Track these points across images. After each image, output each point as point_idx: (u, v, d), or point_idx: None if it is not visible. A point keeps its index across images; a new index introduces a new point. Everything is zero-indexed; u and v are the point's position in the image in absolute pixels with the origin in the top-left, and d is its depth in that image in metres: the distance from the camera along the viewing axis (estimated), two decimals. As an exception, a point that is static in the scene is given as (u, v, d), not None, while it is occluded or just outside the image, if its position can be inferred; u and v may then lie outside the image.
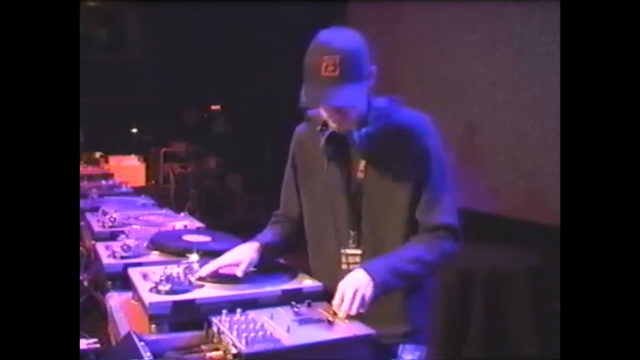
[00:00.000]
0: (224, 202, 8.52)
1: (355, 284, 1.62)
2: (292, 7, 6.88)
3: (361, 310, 1.59)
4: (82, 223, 2.64)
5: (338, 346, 1.45)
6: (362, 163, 1.84)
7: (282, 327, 1.45)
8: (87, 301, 1.93)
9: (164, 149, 9.01)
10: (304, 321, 1.52)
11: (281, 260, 1.97)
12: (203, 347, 1.46)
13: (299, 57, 1.73)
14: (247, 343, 1.35)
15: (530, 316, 3.72)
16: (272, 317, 1.52)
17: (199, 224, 2.55)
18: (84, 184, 3.80)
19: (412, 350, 1.87)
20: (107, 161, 7.50)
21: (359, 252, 1.85)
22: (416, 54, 5.99)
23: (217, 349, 1.42)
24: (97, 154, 7.50)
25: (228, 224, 6.16)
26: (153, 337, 1.47)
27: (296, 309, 1.56)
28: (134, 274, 1.76)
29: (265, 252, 1.86)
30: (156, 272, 1.69)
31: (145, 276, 1.73)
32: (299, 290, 1.71)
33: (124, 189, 3.86)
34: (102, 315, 1.84)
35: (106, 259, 1.95)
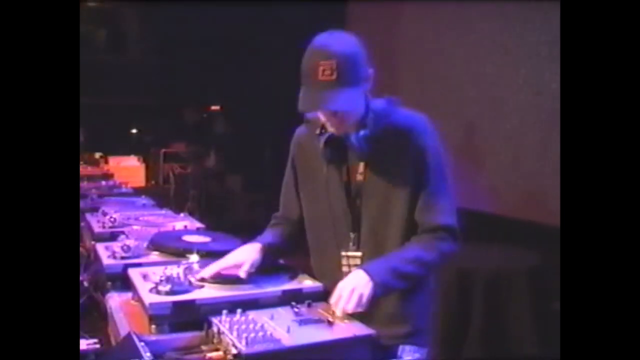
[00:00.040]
0: (224, 203, 8.52)
1: (354, 283, 1.63)
2: (292, 7, 6.87)
3: (359, 309, 1.59)
4: (82, 224, 2.64)
5: (338, 346, 1.45)
6: (361, 165, 1.84)
7: (282, 327, 1.46)
8: (87, 302, 1.92)
9: (163, 150, 9.01)
10: (304, 321, 1.52)
11: (281, 261, 1.97)
12: (203, 347, 1.46)
13: (299, 58, 1.73)
14: (247, 343, 1.35)
15: (530, 316, 3.72)
16: (272, 318, 1.52)
17: (198, 225, 2.55)
18: (83, 184, 3.80)
19: (412, 351, 1.87)
20: (106, 162, 7.51)
21: (359, 254, 1.85)
22: (416, 54, 5.98)
23: (217, 350, 1.42)
24: (97, 155, 7.51)
25: (228, 224, 6.15)
26: (153, 337, 1.47)
27: (296, 310, 1.57)
28: (134, 274, 1.76)
29: (267, 253, 1.86)
30: (156, 273, 1.69)
31: (145, 277, 1.73)
32: (299, 290, 1.71)
33: (123, 190, 3.86)
34: (102, 316, 1.84)
35: (106, 260, 1.95)
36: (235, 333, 1.40)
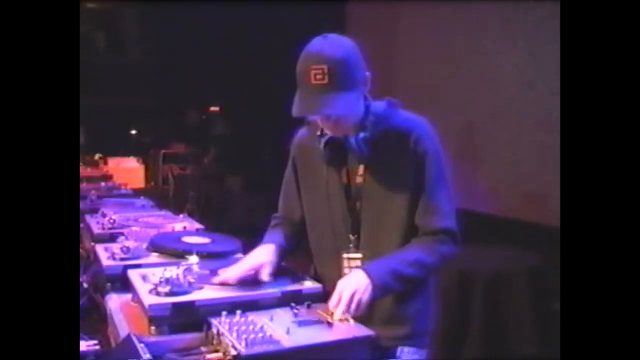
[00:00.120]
0: (224, 204, 8.51)
1: (354, 286, 1.63)
2: (292, 7, 6.87)
3: (357, 313, 1.59)
4: (81, 225, 2.63)
5: (337, 347, 1.45)
6: (361, 168, 1.84)
7: (281, 328, 1.45)
8: (87, 303, 1.92)
9: (163, 151, 9.00)
10: (303, 323, 1.52)
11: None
12: (203, 348, 1.46)
13: (299, 58, 1.73)
14: (246, 345, 1.35)
15: (530, 317, 3.72)
16: (271, 319, 1.52)
17: (198, 226, 2.54)
18: (83, 185, 3.79)
19: (411, 353, 1.87)
20: (106, 163, 7.50)
21: (359, 255, 1.85)
22: (416, 54, 5.98)
23: (216, 351, 1.42)
24: (97, 156, 7.50)
25: (227, 225, 6.15)
26: (153, 338, 1.47)
27: (296, 311, 1.56)
28: (134, 275, 1.76)
29: (280, 255, 1.86)
30: (155, 274, 1.69)
31: (144, 278, 1.73)
32: (299, 291, 1.71)
33: (123, 191, 3.86)
34: (102, 317, 1.84)
35: (106, 261, 1.95)
36: (234, 334, 1.40)
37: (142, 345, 1.36)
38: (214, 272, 1.79)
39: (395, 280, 1.72)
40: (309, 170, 1.95)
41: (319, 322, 1.54)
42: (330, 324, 1.53)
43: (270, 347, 1.35)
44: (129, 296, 1.78)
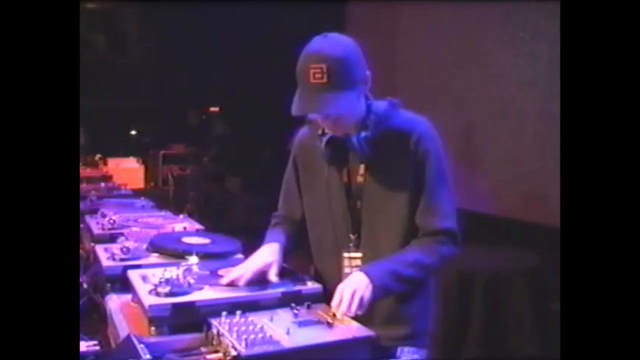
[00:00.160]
0: (223, 204, 8.51)
1: (354, 286, 1.63)
2: (292, 7, 6.87)
3: (359, 312, 1.59)
4: (81, 225, 2.63)
5: (338, 348, 1.44)
6: (362, 167, 1.84)
7: (281, 329, 1.45)
8: (87, 303, 1.92)
9: (162, 151, 9.00)
10: (303, 323, 1.52)
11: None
12: (202, 349, 1.46)
13: (298, 60, 1.73)
14: (246, 345, 1.35)
15: (530, 317, 3.72)
16: (271, 320, 1.52)
17: (198, 226, 2.54)
18: (82, 186, 3.79)
19: (411, 353, 1.87)
20: (105, 163, 7.49)
21: (360, 255, 1.85)
22: (416, 54, 5.99)
23: (216, 351, 1.42)
24: (97, 156, 7.49)
25: (227, 225, 6.15)
26: (152, 339, 1.47)
27: (296, 311, 1.56)
28: (134, 276, 1.76)
29: (284, 254, 1.86)
30: (155, 275, 1.69)
31: (144, 278, 1.73)
32: (299, 292, 1.70)
33: (122, 191, 3.85)
34: (102, 318, 1.84)
35: (105, 261, 1.94)
36: (234, 335, 1.40)
37: (142, 345, 1.36)
38: (214, 273, 1.79)
39: (395, 281, 1.72)
40: (310, 170, 1.95)
41: (319, 322, 1.54)
42: (330, 325, 1.52)
43: (270, 348, 1.35)
44: (128, 297, 1.78)
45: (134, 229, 2.44)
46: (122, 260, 1.94)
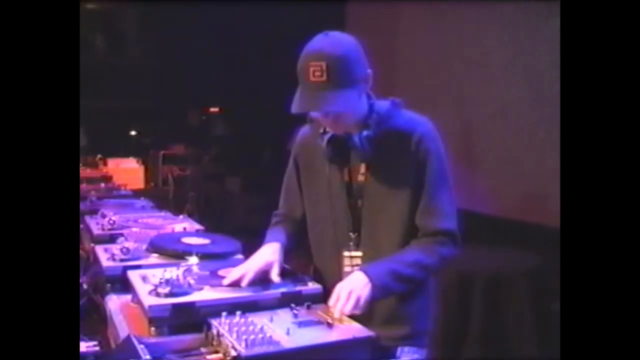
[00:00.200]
0: (223, 205, 8.51)
1: (352, 285, 1.63)
2: (292, 7, 6.87)
3: (356, 312, 1.59)
4: (81, 226, 2.63)
5: (337, 348, 1.44)
6: (363, 166, 1.84)
7: (281, 329, 1.45)
8: (87, 304, 1.92)
9: (162, 152, 8.99)
10: (303, 324, 1.52)
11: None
12: (202, 349, 1.46)
13: (298, 59, 1.73)
14: (246, 346, 1.35)
15: (530, 317, 3.72)
16: (271, 320, 1.52)
17: (198, 227, 2.54)
18: (82, 186, 3.78)
19: (411, 353, 1.87)
20: (105, 163, 7.48)
21: (360, 253, 1.85)
22: (415, 54, 5.98)
23: (216, 352, 1.42)
24: (97, 157, 7.49)
25: (227, 226, 6.15)
26: (152, 339, 1.47)
27: (296, 312, 1.56)
28: (134, 276, 1.76)
29: (285, 253, 1.86)
30: (155, 275, 1.69)
31: (144, 279, 1.73)
32: (299, 292, 1.71)
33: (122, 192, 3.85)
34: (102, 318, 1.84)
35: (105, 262, 1.95)
36: (234, 335, 1.40)
37: (142, 346, 1.36)
38: (214, 273, 1.79)
39: (394, 281, 1.72)
40: (311, 168, 1.95)
41: (319, 323, 1.54)
42: (330, 325, 1.52)
43: (270, 348, 1.35)
44: (128, 297, 1.78)
45: (134, 229, 2.44)
46: (122, 260, 1.94)
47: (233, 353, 1.35)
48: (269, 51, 8.21)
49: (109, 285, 1.88)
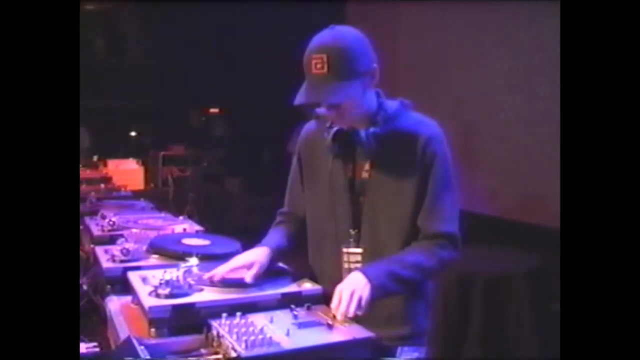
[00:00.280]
0: (223, 205, 8.51)
1: (352, 286, 1.63)
2: (292, 7, 6.88)
3: (358, 313, 1.59)
4: (81, 227, 2.63)
5: (337, 349, 1.44)
6: (368, 163, 1.84)
7: (281, 330, 1.45)
8: (87, 305, 1.92)
9: (162, 152, 9.00)
10: (303, 324, 1.51)
11: (281, 264, 1.97)
12: (202, 350, 1.46)
13: (299, 59, 1.74)
14: (246, 347, 1.34)
15: (530, 318, 3.72)
16: (271, 321, 1.52)
17: (198, 228, 2.54)
18: (82, 187, 3.79)
19: (411, 353, 1.87)
20: (105, 164, 7.48)
21: (359, 250, 1.84)
22: (415, 54, 5.98)
23: (216, 353, 1.42)
24: (95, 157, 7.49)
25: (227, 227, 6.15)
26: (152, 341, 1.47)
27: (295, 313, 1.56)
28: (134, 277, 1.76)
29: (274, 257, 1.85)
30: (155, 276, 1.69)
31: (144, 280, 1.73)
32: (299, 293, 1.70)
33: (122, 193, 3.85)
34: (102, 319, 1.83)
35: (105, 263, 1.94)
36: (234, 336, 1.40)
37: (142, 347, 1.36)
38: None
39: (393, 282, 1.71)
40: (314, 162, 1.95)
41: (318, 323, 1.54)
42: (330, 326, 1.52)
43: (270, 349, 1.35)
44: (128, 298, 1.78)
45: (134, 230, 2.44)
46: (122, 261, 1.94)
47: (233, 354, 1.35)
48: (269, 51, 8.21)
49: (109, 286, 1.88)
